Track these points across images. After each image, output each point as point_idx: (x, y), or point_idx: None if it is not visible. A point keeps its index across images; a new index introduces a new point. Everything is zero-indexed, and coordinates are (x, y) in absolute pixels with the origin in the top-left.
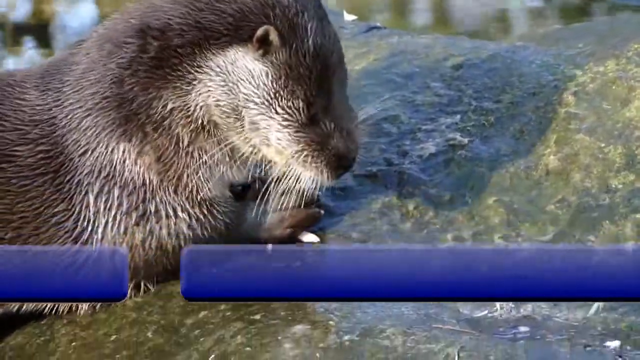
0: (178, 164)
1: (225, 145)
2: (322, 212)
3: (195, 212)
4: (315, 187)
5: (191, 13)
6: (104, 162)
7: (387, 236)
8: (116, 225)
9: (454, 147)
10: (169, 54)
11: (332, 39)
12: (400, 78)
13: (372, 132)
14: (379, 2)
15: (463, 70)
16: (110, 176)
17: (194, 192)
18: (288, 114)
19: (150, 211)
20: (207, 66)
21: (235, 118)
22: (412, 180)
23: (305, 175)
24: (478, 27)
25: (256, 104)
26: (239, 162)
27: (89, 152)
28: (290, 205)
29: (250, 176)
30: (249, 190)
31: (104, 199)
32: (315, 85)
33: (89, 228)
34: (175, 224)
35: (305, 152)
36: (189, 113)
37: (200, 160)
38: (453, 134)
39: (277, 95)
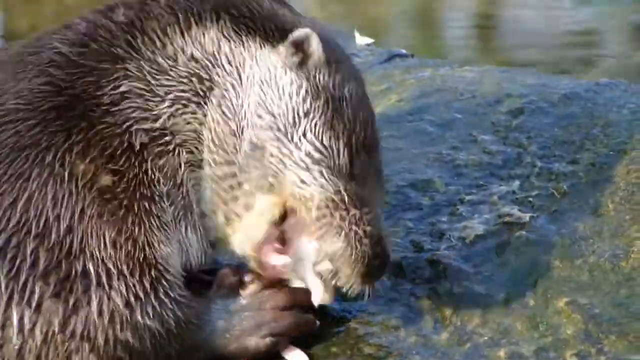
0: (128, 179)
1: (191, 191)
2: (318, 323)
3: (134, 285)
4: (333, 278)
5: None
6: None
7: (414, 352)
8: (25, 300)
9: (511, 226)
10: (146, 17)
11: (371, 115)
12: (435, 127)
13: (395, 203)
14: (404, 19)
15: (524, 117)
16: (23, 222)
17: (138, 247)
18: (324, 146)
19: (77, 273)
20: (210, 45)
21: (232, 133)
22: (451, 272)
23: (330, 247)
24: (545, 56)
25: (272, 115)
26: (202, 232)
27: None
28: (275, 302)
29: (216, 259)
30: (216, 280)
31: (8, 257)
32: (360, 136)
33: None
34: (109, 297)
35: (340, 205)
36: (150, 103)
37: (154, 183)
38: (509, 207)
39: (311, 116)
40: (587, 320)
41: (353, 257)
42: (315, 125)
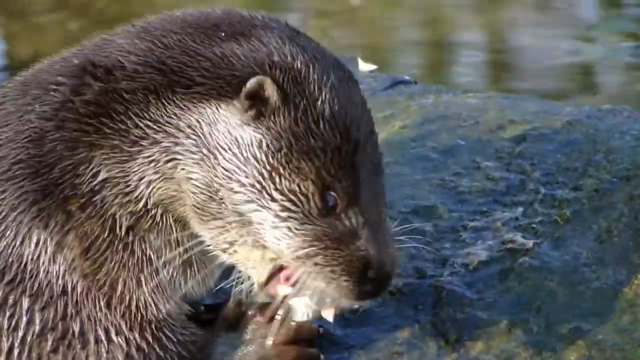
0: (111, 261)
1: (189, 247)
2: (322, 357)
3: (135, 338)
4: (324, 309)
5: (154, 50)
6: (10, 260)
7: None
8: (25, 353)
9: (514, 252)
10: (111, 100)
11: (359, 106)
12: (438, 154)
13: (399, 230)
14: (408, 46)
15: (527, 144)
16: (18, 280)
17: (134, 309)
18: (290, 200)
19: (74, 332)
20: (169, 123)
21: (211, 198)
22: (454, 299)
23: (311, 289)
24: (549, 83)
25: (242, 185)
26: (205, 271)
27: None
28: (278, 337)
29: (218, 291)
30: (218, 313)
31: (7, 315)
32: (334, 162)
33: None
34: (108, 351)
35: (313, 252)
36: (129, 188)
37: (144, 260)
38: (512, 233)
39: (274, 174)
40: (590, 346)
41: (338, 292)
42: (281, 179)
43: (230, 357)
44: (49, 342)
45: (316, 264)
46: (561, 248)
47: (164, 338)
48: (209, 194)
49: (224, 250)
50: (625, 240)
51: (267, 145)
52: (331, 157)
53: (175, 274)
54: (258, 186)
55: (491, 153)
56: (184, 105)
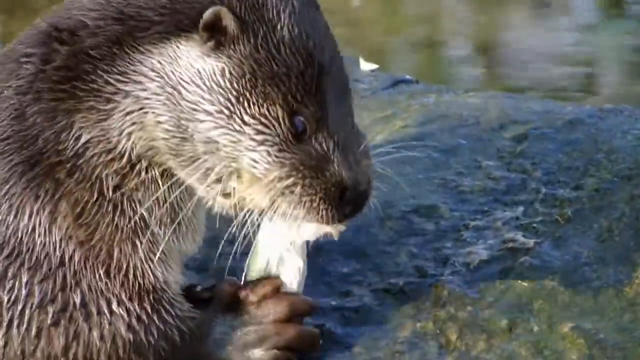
0: (103, 224)
1: (172, 188)
2: (320, 340)
3: (135, 309)
4: (308, 234)
5: (112, 2)
6: (6, 234)
7: None
8: (24, 325)
9: (515, 251)
10: (79, 61)
11: (321, 31)
12: (439, 153)
13: (399, 229)
14: (408, 46)
15: (528, 143)
16: (16, 254)
17: (131, 277)
18: (263, 124)
19: (75, 304)
20: (134, 71)
21: (182, 139)
22: (455, 298)
23: (293, 214)
24: (550, 82)
25: (209, 113)
26: (195, 225)
27: None
28: (276, 315)
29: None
30: (215, 295)
31: (7, 288)
32: (299, 87)
33: None
34: (110, 323)
35: (292, 179)
36: (111, 145)
37: (135, 218)
38: (513, 233)
39: (242, 99)
40: (591, 345)
41: (318, 219)
42: (249, 104)
43: (230, 336)
44: (49, 315)
45: (294, 195)
46: (562, 247)
47: (163, 311)
48: (179, 134)
49: (211, 189)
50: (626, 239)
51: (230, 73)
52: (296, 82)
53: (167, 231)
54: (227, 112)
55: (492, 152)
56: (146, 49)
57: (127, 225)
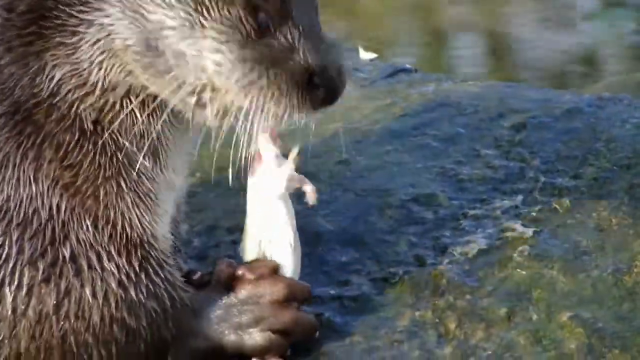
0: (86, 164)
1: (151, 118)
2: (317, 327)
3: (123, 265)
4: (281, 124)
5: None
6: None
7: None
8: (15, 283)
9: (513, 241)
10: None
11: None
12: (438, 142)
13: (398, 217)
14: (408, 35)
15: (527, 132)
16: (4, 211)
17: (119, 227)
18: (224, 25)
19: (64, 258)
20: (79, 8)
21: (154, 56)
22: (454, 286)
23: (263, 111)
24: (548, 71)
25: (173, 28)
26: (178, 156)
27: None
28: (273, 296)
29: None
30: (213, 276)
31: None
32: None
33: None
34: (102, 279)
35: (256, 73)
36: (83, 78)
37: (118, 155)
38: (512, 222)
39: (199, 8)
40: (590, 334)
41: (291, 110)
42: (209, 11)
43: (226, 315)
44: (40, 271)
45: (261, 88)
46: (561, 236)
47: (151, 270)
48: (150, 53)
49: (187, 101)
50: (625, 228)
51: None
52: None
53: (151, 164)
54: (189, 23)
55: (491, 141)
56: None
57: (109, 163)
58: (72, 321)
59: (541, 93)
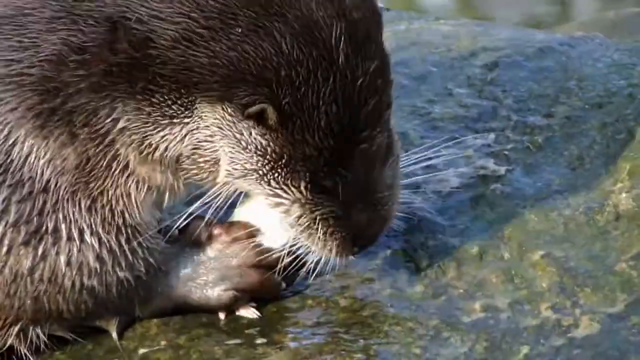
0: (106, 181)
1: (185, 180)
2: (284, 285)
3: (108, 240)
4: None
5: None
6: None
7: (389, 305)
8: None
9: (486, 179)
10: (146, 74)
11: (364, 87)
12: (410, 80)
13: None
14: None
15: (499, 71)
16: (1, 171)
17: (116, 215)
18: (284, 190)
19: (47, 228)
20: (192, 109)
21: (213, 167)
22: (426, 225)
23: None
24: (521, 10)
25: (245, 169)
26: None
27: None
28: (243, 259)
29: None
30: (186, 230)
31: None
32: (325, 165)
33: None
34: (79, 250)
35: (306, 217)
36: (146, 145)
37: (140, 186)
38: (484, 160)
39: (273, 170)
40: (562, 273)
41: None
42: (279, 176)
43: (193, 272)
44: (22, 234)
45: (310, 235)
46: (533, 175)
47: (136, 244)
48: (211, 166)
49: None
50: (598, 167)
51: (266, 148)
52: (325, 159)
53: (165, 188)
54: (259, 174)
55: (463, 80)
56: (202, 100)
57: (128, 188)
58: (45, 284)
59: (513, 32)
